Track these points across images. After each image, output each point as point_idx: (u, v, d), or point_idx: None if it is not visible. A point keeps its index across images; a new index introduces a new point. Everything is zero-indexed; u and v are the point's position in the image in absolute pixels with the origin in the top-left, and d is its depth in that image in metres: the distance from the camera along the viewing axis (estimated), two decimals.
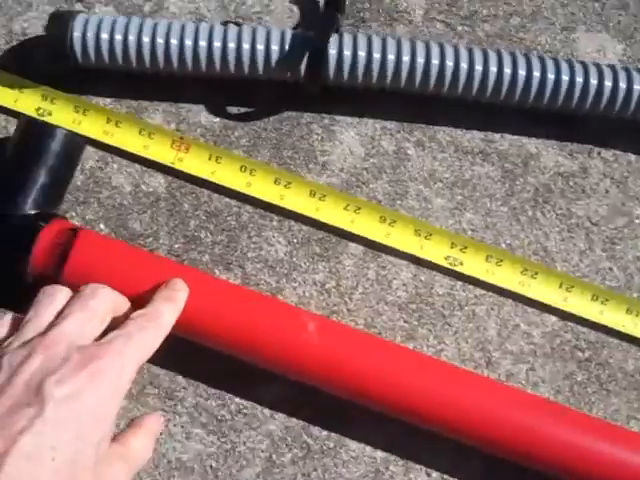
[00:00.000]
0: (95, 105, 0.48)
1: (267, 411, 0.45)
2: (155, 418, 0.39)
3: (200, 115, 0.47)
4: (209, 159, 0.46)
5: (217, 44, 0.44)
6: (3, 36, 0.49)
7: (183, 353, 0.45)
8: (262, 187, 0.46)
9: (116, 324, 0.36)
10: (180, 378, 0.45)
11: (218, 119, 0.47)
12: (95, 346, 0.33)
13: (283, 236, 0.46)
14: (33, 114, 0.48)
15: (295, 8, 0.48)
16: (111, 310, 0.36)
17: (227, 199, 0.46)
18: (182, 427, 0.45)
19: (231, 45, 0.44)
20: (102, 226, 0.47)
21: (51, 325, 0.33)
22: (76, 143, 0.44)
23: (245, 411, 0.45)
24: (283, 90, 0.46)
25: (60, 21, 0.45)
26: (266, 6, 0.48)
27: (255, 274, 0.46)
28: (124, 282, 0.41)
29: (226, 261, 0.46)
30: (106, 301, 0.36)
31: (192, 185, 0.47)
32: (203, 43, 0.44)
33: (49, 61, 0.48)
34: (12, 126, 0.48)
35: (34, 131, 0.43)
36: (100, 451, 0.31)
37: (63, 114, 0.47)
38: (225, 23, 0.48)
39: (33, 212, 0.42)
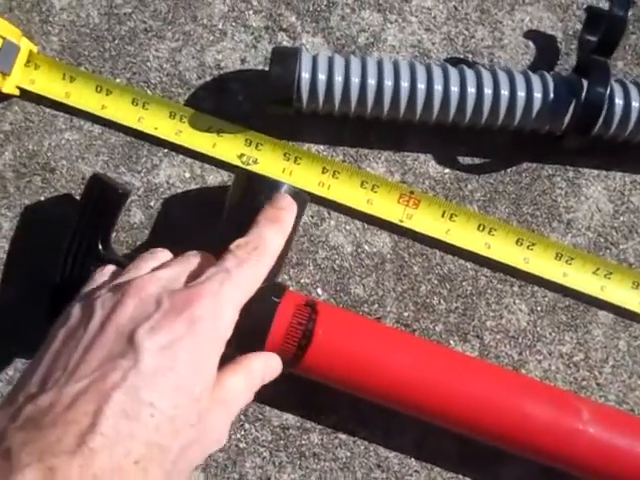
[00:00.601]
0: (308, 152, 0.42)
1: None
2: (261, 358, 0.33)
3: (428, 165, 0.42)
4: (442, 216, 0.41)
5: (471, 90, 0.38)
6: (194, 69, 0.42)
7: (416, 434, 0.40)
8: (503, 248, 0.41)
9: None
10: (412, 461, 0.41)
11: (448, 170, 0.42)
12: (189, 288, 0.29)
13: (525, 303, 0.41)
14: (235, 161, 0.42)
15: (530, 43, 0.43)
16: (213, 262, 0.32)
17: (462, 261, 0.41)
18: None
19: (487, 91, 0.38)
20: (319, 291, 0.41)
21: (147, 273, 0.30)
22: (301, 200, 0.38)
23: None
24: (521, 138, 0.41)
25: (284, 59, 0.38)
26: (498, 40, 0.42)
27: (495, 345, 0.41)
28: (367, 364, 0.37)
29: (462, 331, 0.41)
30: (209, 261, 0.32)
31: (422, 245, 0.41)
32: (455, 88, 0.38)
33: (256, 101, 0.42)
34: (209, 174, 0.42)
35: (257, 187, 0.37)
36: (202, 403, 0.27)
37: (271, 162, 0.42)
38: (453, 60, 0.42)
39: (262, 284, 0.36)
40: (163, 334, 0.27)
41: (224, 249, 0.31)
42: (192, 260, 0.32)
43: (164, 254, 0.33)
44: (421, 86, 0.38)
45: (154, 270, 0.31)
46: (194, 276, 0.30)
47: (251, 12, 0.43)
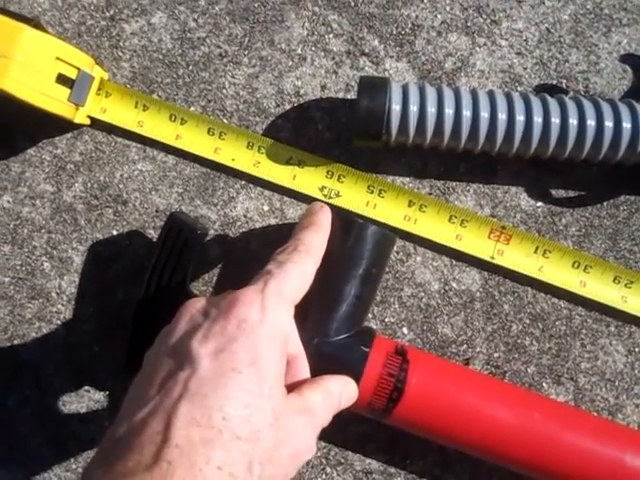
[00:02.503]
0: (393, 184, 0.40)
1: None
2: (339, 381, 0.32)
3: (519, 198, 0.40)
4: (535, 252, 0.39)
5: (573, 122, 0.36)
6: (272, 97, 0.40)
7: None
8: (599, 287, 0.39)
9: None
10: None
11: (541, 203, 0.40)
12: (234, 292, 0.28)
13: (622, 344, 0.39)
14: (316, 194, 0.40)
15: (627, 67, 0.40)
16: None
17: (555, 300, 0.39)
18: None
19: (590, 123, 0.36)
20: (405, 330, 0.40)
21: None
22: (389, 240, 0.36)
23: None
24: (618, 169, 0.39)
25: (372, 90, 0.36)
26: (594, 64, 0.40)
27: (590, 389, 0.39)
28: (459, 415, 0.35)
29: (555, 373, 0.39)
30: None
31: (513, 283, 0.39)
32: (555, 120, 0.36)
33: (338, 131, 0.40)
34: (288, 208, 0.40)
35: (343, 229, 0.35)
36: (275, 400, 0.27)
37: (354, 195, 0.40)
38: (546, 87, 0.40)
39: (350, 332, 0.34)
40: (216, 338, 0.26)
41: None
42: None
43: None
44: (520, 118, 0.36)
45: None
46: None
47: (331, 36, 0.40)
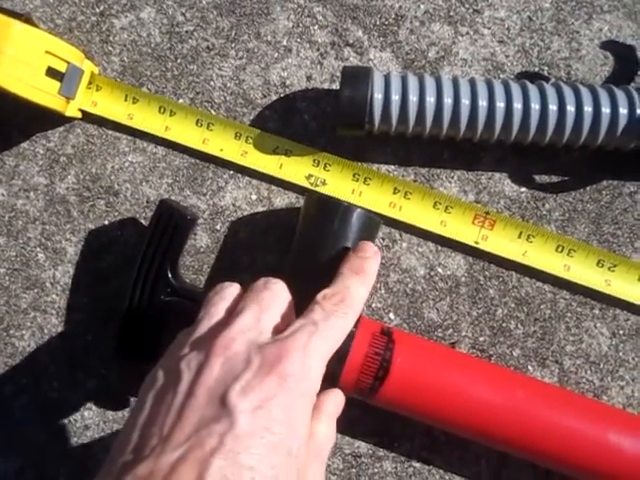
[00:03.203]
0: (378, 172, 0.40)
1: None
2: (333, 398, 0.32)
3: (503, 184, 0.40)
4: (519, 237, 0.40)
5: (553, 107, 0.37)
6: (259, 88, 0.41)
7: (492, 462, 0.39)
8: (583, 270, 0.39)
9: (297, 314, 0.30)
10: None
11: (525, 189, 0.40)
12: (276, 343, 0.28)
13: (607, 327, 0.40)
14: (302, 183, 0.40)
15: (609, 54, 0.41)
16: (287, 301, 0.31)
17: (540, 284, 0.40)
18: None
19: (570, 109, 0.36)
20: (392, 316, 0.40)
21: (225, 323, 0.29)
22: (374, 224, 0.37)
23: None
24: (600, 154, 0.39)
25: (354, 80, 0.37)
26: (576, 51, 0.41)
27: (575, 371, 0.40)
28: (445, 394, 0.36)
29: (540, 356, 0.40)
30: (281, 292, 0.31)
31: (498, 267, 0.40)
32: (535, 106, 0.37)
33: (323, 120, 0.41)
34: (276, 196, 0.41)
35: (329, 212, 0.36)
36: (300, 459, 0.27)
37: (340, 183, 0.40)
38: (528, 74, 0.40)
39: None
40: (255, 394, 0.26)
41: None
42: (264, 296, 0.30)
43: (232, 289, 0.32)
44: (500, 105, 0.37)
45: (229, 316, 0.30)
46: (274, 321, 0.30)
47: (316, 27, 0.41)
